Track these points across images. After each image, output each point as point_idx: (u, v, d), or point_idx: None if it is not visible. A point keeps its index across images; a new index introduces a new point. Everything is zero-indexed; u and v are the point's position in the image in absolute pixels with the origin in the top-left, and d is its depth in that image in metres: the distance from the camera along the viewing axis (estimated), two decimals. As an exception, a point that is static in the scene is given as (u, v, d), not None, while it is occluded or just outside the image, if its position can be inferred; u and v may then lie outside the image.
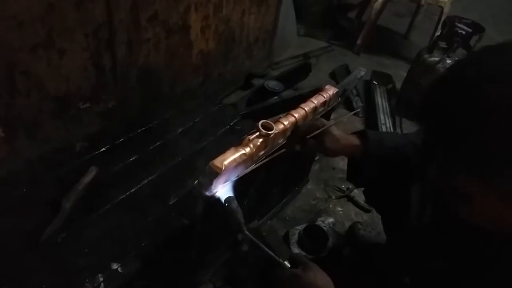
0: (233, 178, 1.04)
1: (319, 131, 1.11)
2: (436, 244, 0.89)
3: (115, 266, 1.15)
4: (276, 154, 1.15)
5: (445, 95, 0.69)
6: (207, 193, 1.01)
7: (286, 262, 0.91)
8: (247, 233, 0.91)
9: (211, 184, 1.00)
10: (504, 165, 0.62)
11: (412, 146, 1.10)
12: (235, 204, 0.95)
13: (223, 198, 0.97)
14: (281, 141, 1.25)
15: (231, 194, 0.98)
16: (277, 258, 0.91)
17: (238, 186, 1.07)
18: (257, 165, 1.10)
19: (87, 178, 1.34)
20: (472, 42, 2.36)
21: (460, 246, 0.82)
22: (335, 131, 1.12)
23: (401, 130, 2.36)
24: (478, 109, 0.64)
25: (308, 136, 1.13)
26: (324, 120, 1.15)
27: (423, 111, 0.75)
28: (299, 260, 0.93)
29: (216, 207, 0.98)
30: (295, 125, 1.21)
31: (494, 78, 0.63)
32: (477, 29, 2.38)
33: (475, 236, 0.76)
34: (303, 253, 1.61)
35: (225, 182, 1.05)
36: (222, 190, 0.99)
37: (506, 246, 0.72)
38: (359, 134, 1.16)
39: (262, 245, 0.91)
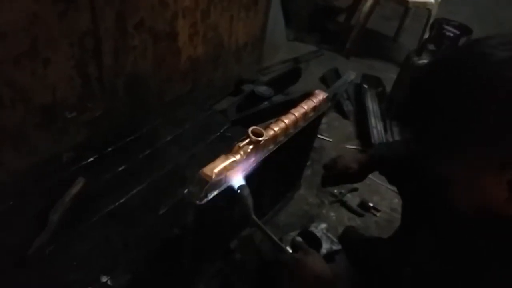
0: (248, 168, 1.12)
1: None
2: (435, 245, 0.89)
3: (104, 279, 1.13)
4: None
5: (423, 82, 0.75)
6: (198, 202, 1.00)
7: (288, 248, 1.00)
8: (254, 217, 0.99)
9: (201, 192, 1.00)
10: (470, 138, 0.67)
11: (403, 145, 1.23)
12: (246, 191, 1.02)
13: (236, 185, 1.04)
14: (271, 147, 1.24)
15: (243, 182, 1.05)
16: (279, 243, 0.99)
17: (230, 194, 1.06)
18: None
19: (75, 189, 1.31)
20: (460, 44, 2.38)
21: (459, 246, 0.81)
22: (348, 156, 1.34)
23: (392, 133, 2.36)
24: (453, 96, 0.68)
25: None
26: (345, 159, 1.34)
27: (403, 103, 0.80)
28: (301, 246, 1.02)
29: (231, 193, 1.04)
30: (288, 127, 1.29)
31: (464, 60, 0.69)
32: (465, 31, 2.39)
33: (474, 235, 0.76)
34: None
35: (216, 189, 1.04)
36: (236, 178, 1.06)
37: (505, 246, 0.72)
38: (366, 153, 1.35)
39: (267, 230, 0.99)
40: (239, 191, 1.03)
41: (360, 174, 1.34)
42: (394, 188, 1.64)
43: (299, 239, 1.06)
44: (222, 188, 1.05)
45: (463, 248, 0.80)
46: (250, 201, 1.01)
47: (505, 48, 0.65)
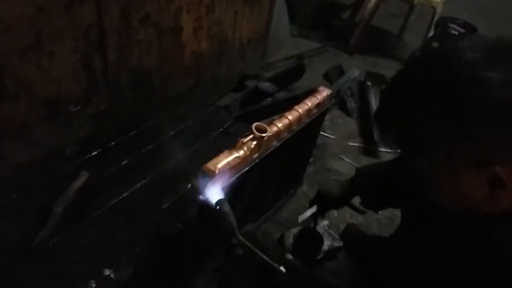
0: (224, 183, 1.03)
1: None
2: (435, 244, 0.89)
3: (107, 272, 1.13)
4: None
5: (398, 83, 0.79)
6: (201, 197, 1.00)
7: (281, 268, 0.91)
8: (241, 238, 0.90)
9: (204, 187, 0.99)
10: (438, 136, 0.68)
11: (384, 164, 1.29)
12: (226, 207, 0.92)
13: (213, 201, 0.94)
14: (275, 143, 1.24)
15: (221, 196, 0.95)
16: (271, 262, 0.90)
17: (232, 189, 1.06)
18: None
19: (78, 183, 1.32)
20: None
21: (458, 245, 0.81)
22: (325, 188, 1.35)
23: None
24: (422, 93, 0.70)
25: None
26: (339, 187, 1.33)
27: (379, 107, 0.83)
28: (295, 265, 0.94)
29: (209, 210, 0.96)
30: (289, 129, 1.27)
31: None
32: (469, 29, 2.39)
33: (474, 235, 0.76)
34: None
35: (219, 185, 1.04)
36: (213, 193, 0.97)
37: (504, 246, 0.72)
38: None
39: (256, 250, 0.90)
40: (218, 207, 0.91)
41: (341, 200, 1.35)
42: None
43: (289, 256, 0.94)
44: (225, 184, 1.05)
45: (463, 247, 0.80)
46: (232, 218, 0.90)
47: (475, 50, 0.67)
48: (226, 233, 0.91)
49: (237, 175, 1.09)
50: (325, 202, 1.36)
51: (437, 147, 0.70)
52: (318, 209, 1.36)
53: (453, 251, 0.82)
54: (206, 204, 0.96)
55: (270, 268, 0.91)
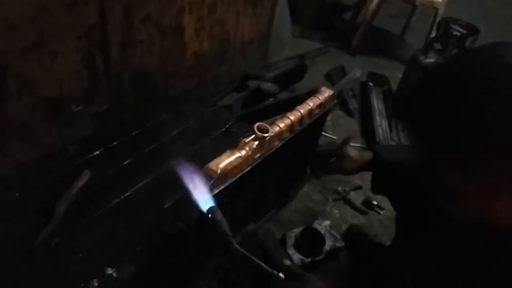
0: (214, 190, 1.00)
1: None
2: (434, 246, 0.89)
3: (109, 271, 1.13)
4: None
5: (433, 86, 0.69)
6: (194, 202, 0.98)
7: (280, 274, 0.88)
8: (237, 246, 0.85)
9: (196, 195, 0.97)
10: (484, 159, 0.61)
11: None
12: (219, 215, 0.86)
13: (205, 209, 0.88)
14: (276, 143, 1.24)
15: (212, 204, 0.89)
16: (270, 270, 0.87)
17: (234, 189, 1.06)
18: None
19: (81, 182, 1.32)
20: (467, 44, 2.37)
21: (458, 246, 0.81)
22: (352, 152, 1.23)
23: (397, 132, 2.36)
24: (463, 101, 0.62)
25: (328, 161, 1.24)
26: (335, 142, 1.26)
27: (408, 105, 0.74)
28: (295, 272, 0.91)
29: (202, 217, 0.91)
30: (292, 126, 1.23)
31: (488, 67, 0.62)
32: (472, 30, 2.38)
33: (474, 236, 0.76)
34: (300, 256, 1.59)
35: (220, 185, 1.04)
36: (203, 200, 0.91)
37: (504, 246, 0.72)
38: (372, 149, 1.26)
39: (253, 258, 0.86)
40: (209, 215, 0.86)
41: (356, 170, 1.28)
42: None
43: (287, 262, 0.90)
44: (227, 183, 1.05)
45: (462, 248, 0.79)
46: (226, 226, 0.85)
47: None
48: (221, 240, 0.87)
49: (239, 175, 1.09)
50: (336, 166, 1.27)
51: (485, 165, 0.62)
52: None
53: (453, 252, 0.82)
54: (199, 211, 0.91)
55: (269, 275, 0.88)
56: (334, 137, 2.30)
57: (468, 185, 0.66)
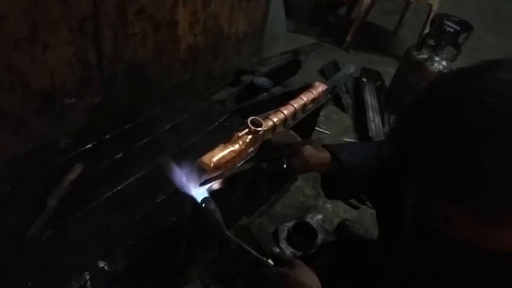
0: (211, 182, 1.00)
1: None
2: (424, 249, 0.88)
3: (101, 264, 1.13)
4: (242, 169, 1.09)
5: (426, 113, 0.63)
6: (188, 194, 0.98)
7: (269, 261, 0.89)
8: (228, 234, 0.87)
9: (199, 181, 0.99)
10: (482, 193, 0.57)
11: (376, 159, 1.12)
12: (212, 205, 0.89)
13: (199, 199, 0.91)
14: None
15: (206, 194, 0.92)
16: (260, 256, 0.88)
17: (227, 184, 1.06)
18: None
19: (73, 175, 1.31)
20: (460, 40, 2.38)
21: (445, 249, 0.81)
22: (306, 151, 1.07)
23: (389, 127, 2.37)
24: (461, 131, 0.57)
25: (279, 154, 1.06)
26: (296, 137, 1.10)
27: (400, 131, 0.69)
28: (284, 258, 0.91)
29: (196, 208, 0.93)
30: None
31: (490, 94, 0.56)
32: (465, 27, 2.39)
33: (467, 253, 0.72)
34: (292, 250, 1.60)
35: (213, 179, 1.04)
36: (198, 191, 0.94)
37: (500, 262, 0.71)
38: (328, 150, 1.13)
39: (243, 245, 0.87)
40: (203, 205, 0.90)
41: (305, 171, 1.14)
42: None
43: (276, 249, 0.90)
44: (220, 177, 1.05)
45: (450, 250, 0.78)
46: (219, 216, 0.89)
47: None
48: (214, 229, 0.89)
49: (231, 171, 1.08)
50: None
51: (491, 202, 0.58)
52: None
53: (440, 253, 0.81)
54: (193, 202, 0.93)
55: (258, 262, 0.89)
56: (328, 132, 2.31)
57: (468, 219, 0.63)
